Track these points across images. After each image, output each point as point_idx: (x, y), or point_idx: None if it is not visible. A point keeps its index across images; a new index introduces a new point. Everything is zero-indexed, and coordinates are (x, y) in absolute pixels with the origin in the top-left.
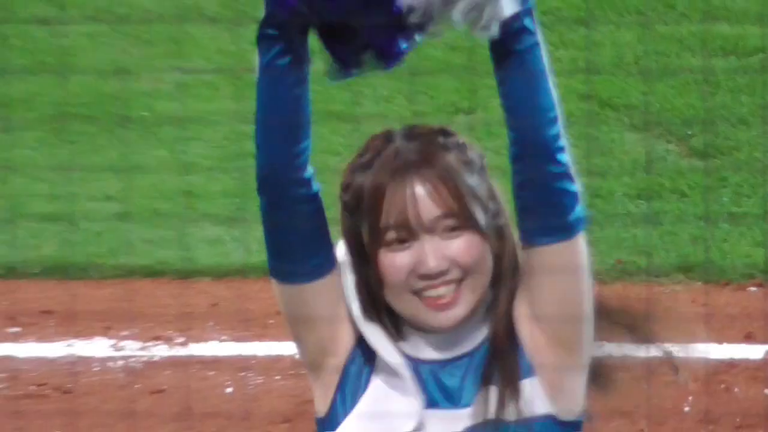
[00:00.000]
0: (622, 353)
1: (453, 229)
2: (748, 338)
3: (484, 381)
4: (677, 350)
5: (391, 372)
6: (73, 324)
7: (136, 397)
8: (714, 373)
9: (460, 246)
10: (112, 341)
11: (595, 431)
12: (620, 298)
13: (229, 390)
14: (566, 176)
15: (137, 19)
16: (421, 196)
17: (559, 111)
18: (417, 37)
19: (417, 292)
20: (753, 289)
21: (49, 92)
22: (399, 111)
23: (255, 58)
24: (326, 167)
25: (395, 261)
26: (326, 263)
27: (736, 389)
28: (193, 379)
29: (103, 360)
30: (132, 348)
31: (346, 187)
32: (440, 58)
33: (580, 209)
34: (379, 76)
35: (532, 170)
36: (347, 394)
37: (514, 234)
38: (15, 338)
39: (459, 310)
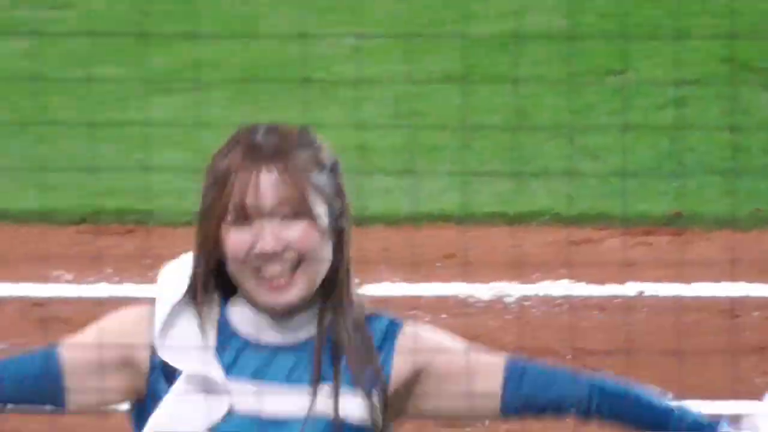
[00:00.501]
0: None
1: (294, 217)
2: None
3: (315, 373)
4: None
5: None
6: None
7: None
8: None
9: (297, 231)
10: None
11: None
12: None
13: None
14: None
15: None
16: (265, 182)
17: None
18: None
19: (255, 271)
20: None
21: (236, 55)
22: (555, 73)
23: None
24: (485, 125)
25: (237, 237)
26: (59, 397)
27: None
28: None
29: None
30: None
31: (206, 170)
32: (593, 23)
33: None
34: (537, 43)
35: None
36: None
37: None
38: None
39: (293, 293)
